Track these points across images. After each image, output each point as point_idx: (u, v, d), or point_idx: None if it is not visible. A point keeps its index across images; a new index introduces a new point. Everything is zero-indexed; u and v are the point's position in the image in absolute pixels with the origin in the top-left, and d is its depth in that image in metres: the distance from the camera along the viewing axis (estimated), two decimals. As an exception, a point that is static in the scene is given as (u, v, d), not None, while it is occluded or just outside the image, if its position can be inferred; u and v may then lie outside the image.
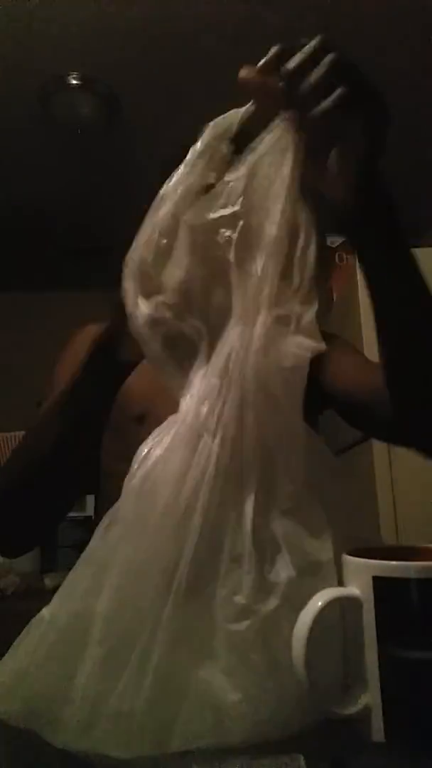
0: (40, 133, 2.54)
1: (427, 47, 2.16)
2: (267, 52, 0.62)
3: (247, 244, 0.53)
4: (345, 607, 0.45)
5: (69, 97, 2.36)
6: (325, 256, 2.34)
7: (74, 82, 2.30)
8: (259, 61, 0.61)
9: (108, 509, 0.54)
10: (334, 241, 2.40)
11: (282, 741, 0.43)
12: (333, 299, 2.47)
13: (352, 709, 0.43)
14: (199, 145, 0.58)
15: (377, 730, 0.42)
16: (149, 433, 0.77)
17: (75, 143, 2.63)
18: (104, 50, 2.16)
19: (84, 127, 2.51)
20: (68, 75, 2.27)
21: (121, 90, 2.34)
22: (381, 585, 0.43)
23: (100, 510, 0.81)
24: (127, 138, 2.61)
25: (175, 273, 0.56)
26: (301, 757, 0.38)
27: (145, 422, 0.82)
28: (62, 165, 2.79)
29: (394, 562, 0.44)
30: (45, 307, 3.75)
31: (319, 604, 0.44)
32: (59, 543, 2.45)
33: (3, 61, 2.17)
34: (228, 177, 0.55)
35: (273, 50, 0.58)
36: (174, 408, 0.85)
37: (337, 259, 2.40)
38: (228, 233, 0.54)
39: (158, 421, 0.82)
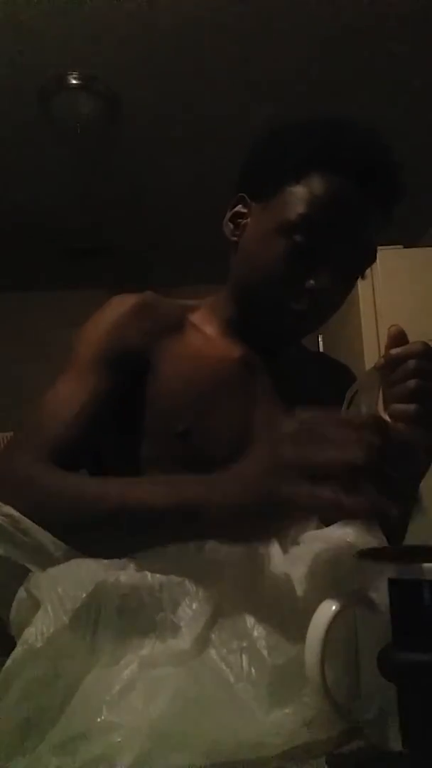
0: (40, 133, 2.54)
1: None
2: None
3: None
4: (359, 610, 0.45)
5: (69, 97, 2.35)
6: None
7: (74, 82, 2.29)
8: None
9: None
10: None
11: (306, 748, 0.42)
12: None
13: (367, 716, 0.43)
14: None
15: (394, 737, 0.42)
16: (194, 449, 0.77)
17: (75, 143, 2.62)
18: (104, 50, 2.15)
19: (84, 127, 2.50)
20: (68, 75, 2.27)
21: (121, 90, 2.34)
22: (397, 587, 0.43)
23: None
24: (127, 138, 2.61)
25: None
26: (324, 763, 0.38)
27: (189, 438, 0.80)
28: (62, 165, 2.78)
29: (410, 564, 0.43)
30: (45, 307, 3.75)
31: (333, 608, 0.43)
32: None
33: (3, 61, 2.17)
34: None
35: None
36: (221, 424, 0.83)
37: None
38: None
39: (201, 439, 0.81)
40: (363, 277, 0.87)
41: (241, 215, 0.88)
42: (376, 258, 0.88)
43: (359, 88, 2.34)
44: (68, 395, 0.78)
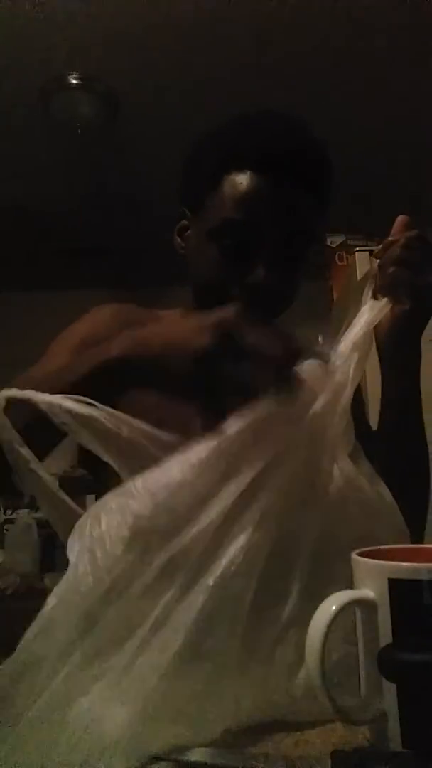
0: (40, 133, 2.54)
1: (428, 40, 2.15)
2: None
3: None
4: (359, 610, 0.45)
5: (69, 97, 2.36)
6: (324, 256, 2.34)
7: (74, 82, 2.29)
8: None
9: None
10: (334, 241, 2.39)
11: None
12: (333, 299, 2.47)
13: (367, 716, 0.43)
14: None
15: (395, 737, 0.42)
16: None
17: (75, 143, 2.62)
18: (104, 50, 2.15)
19: (84, 127, 2.50)
20: (68, 75, 2.27)
21: (121, 90, 2.34)
22: (397, 587, 0.43)
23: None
24: (127, 138, 2.61)
25: None
26: (328, 760, 0.38)
27: None
28: (62, 165, 2.78)
29: (410, 564, 0.43)
30: (44, 307, 3.74)
31: (334, 608, 0.43)
32: (59, 543, 2.44)
33: (3, 61, 2.17)
34: None
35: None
36: (181, 427, 0.86)
37: (337, 259, 2.39)
38: None
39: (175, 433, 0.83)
40: (307, 263, 0.88)
41: (186, 228, 0.92)
42: (315, 241, 0.90)
43: (360, 90, 2.34)
44: (39, 373, 0.86)
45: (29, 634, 0.47)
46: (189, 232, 0.91)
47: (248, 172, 0.80)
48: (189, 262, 0.90)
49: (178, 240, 0.93)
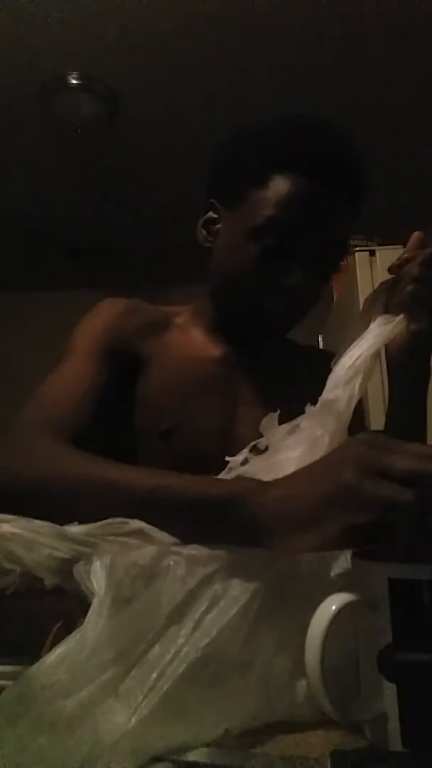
0: (40, 133, 2.54)
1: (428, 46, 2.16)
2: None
3: None
4: (359, 610, 0.45)
5: (69, 97, 2.36)
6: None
7: (74, 82, 2.30)
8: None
9: None
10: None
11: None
12: (333, 299, 2.47)
13: (367, 716, 0.43)
14: None
15: (394, 738, 0.42)
16: (175, 447, 0.77)
17: (75, 143, 2.62)
18: (104, 50, 2.15)
19: (84, 127, 2.51)
20: (68, 75, 2.27)
21: (121, 90, 2.34)
22: (397, 587, 0.43)
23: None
24: (127, 138, 2.61)
25: None
26: (328, 760, 0.38)
27: (171, 437, 0.82)
28: (62, 165, 2.78)
29: (410, 564, 0.43)
30: (45, 307, 3.75)
31: (333, 608, 0.43)
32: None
33: (3, 61, 2.17)
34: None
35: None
36: (202, 423, 0.84)
37: (337, 260, 2.39)
38: None
39: (183, 438, 0.82)
40: (338, 271, 0.89)
41: (213, 221, 0.90)
42: (347, 252, 0.90)
43: (360, 91, 2.34)
44: (71, 381, 0.79)
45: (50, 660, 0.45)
46: (219, 226, 0.89)
47: (298, 175, 0.79)
48: (215, 256, 0.89)
49: (204, 233, 0.91)
